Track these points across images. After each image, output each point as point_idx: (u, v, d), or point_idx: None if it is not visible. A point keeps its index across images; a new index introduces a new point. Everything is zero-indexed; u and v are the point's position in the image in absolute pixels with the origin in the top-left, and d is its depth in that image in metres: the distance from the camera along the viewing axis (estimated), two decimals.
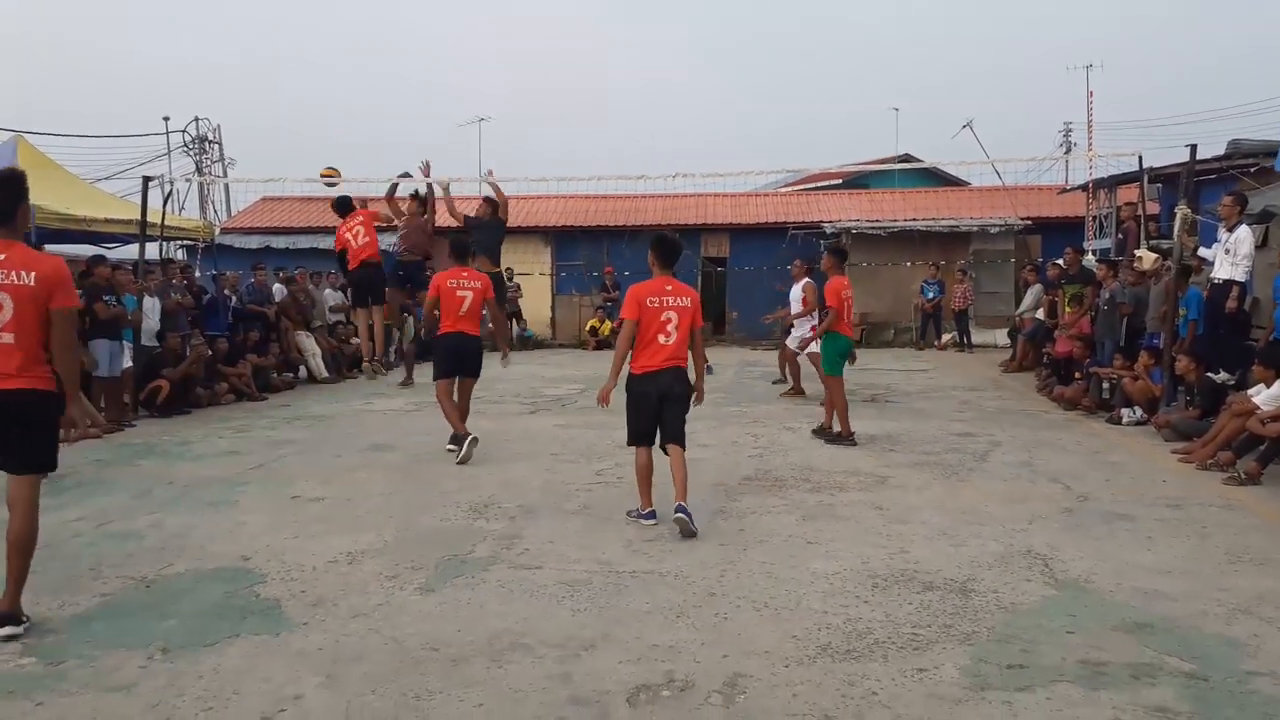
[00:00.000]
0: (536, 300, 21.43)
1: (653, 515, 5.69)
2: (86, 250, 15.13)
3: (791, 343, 11.46)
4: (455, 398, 7.97)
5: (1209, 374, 8.52)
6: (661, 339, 5.65)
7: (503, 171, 13.24)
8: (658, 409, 5.70)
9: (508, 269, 20.48)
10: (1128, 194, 15.49)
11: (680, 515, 5.46)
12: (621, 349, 5.80)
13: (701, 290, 21.82)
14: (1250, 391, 7.50)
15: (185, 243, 16.47)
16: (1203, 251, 9.64)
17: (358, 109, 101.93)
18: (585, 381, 13.60)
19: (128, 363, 10.32)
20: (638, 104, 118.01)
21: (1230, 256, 8.74)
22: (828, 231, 20.41)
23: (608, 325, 20.27)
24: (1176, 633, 3.99)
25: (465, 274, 7.96)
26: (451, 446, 7.89)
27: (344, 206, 11.03)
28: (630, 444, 5.82)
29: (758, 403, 11.12)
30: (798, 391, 11.55)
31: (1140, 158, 12.88)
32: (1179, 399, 9.21)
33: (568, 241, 21.94)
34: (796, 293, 11.45)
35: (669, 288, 5.74)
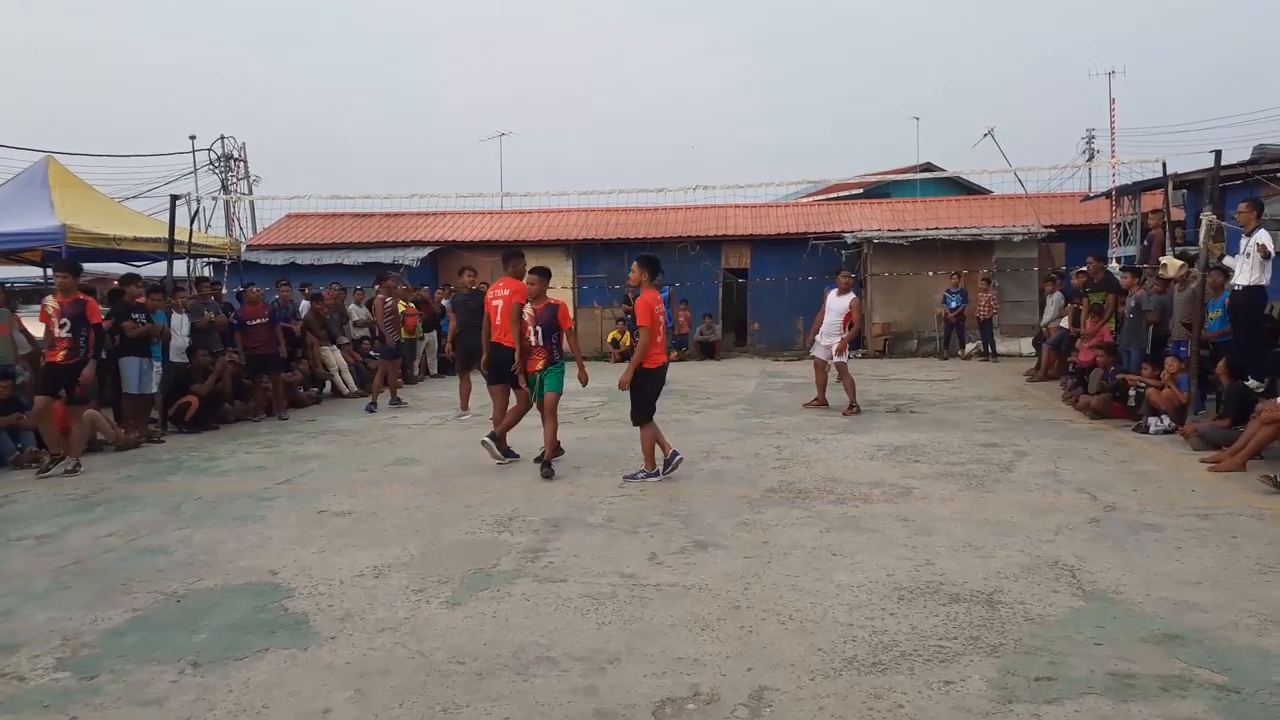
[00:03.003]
0: None
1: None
2: (117, 268, 15.38)
3: (819, 353, 11.37)
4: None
5: (1242, 381, 8.42)
6: (660, 339, 7.56)
7: (524, 185, 13.39)
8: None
9: None
10: (1152, 201, 15.36)
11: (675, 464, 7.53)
12: (647, 349, 7.39)
13: (723, 301, 21.86)
14: None
15: (212, 260, 16.69)
16: (1228, 260, 9.54)
17: (377, 121, 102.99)
18: (608, 394, 13.60)
19: (156, 383, 10.44)
20: (658, 115, 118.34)
21: (1249, 260, 8.67)
22: (849, 241, 20.37)
23: (629, 337, 20.30)
24: (1207, 644, 3.94)
25: (500, 284, 8.72)
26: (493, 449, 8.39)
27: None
28: (644, 422, 7.49)
29: (780, 414, 11.09)
30: (821, 403, 11.50)
31: (1164, 164, 12.84)
32: (1206, 407, 9.11)
33: (589, 254, 21.99)
34: (842, 305, 11.25)
35: (660, 298, 7.63)
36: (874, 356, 19.22)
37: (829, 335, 11.23)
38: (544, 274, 8.20)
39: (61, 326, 8.44)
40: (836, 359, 11.15)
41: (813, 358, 11.72)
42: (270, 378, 11.96)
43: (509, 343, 8.27)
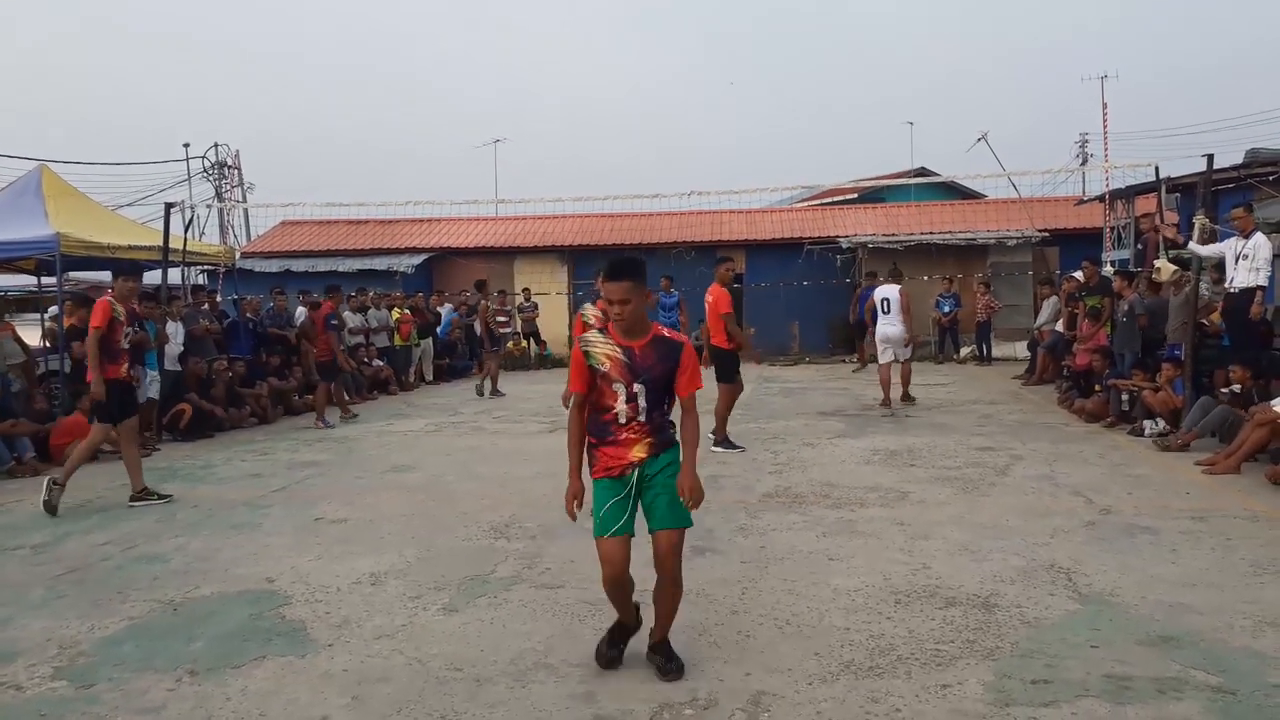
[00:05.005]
0: (554, 320, 21.49)
1: None
2: (110, 277, 15.31)
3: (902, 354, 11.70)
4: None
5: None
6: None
7: (519, 191, 13.49)
8: None
9: (525, 289, 20.66)
10: (1146, 204, 15.42)
11: None
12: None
13: None
14: (1275, 402, 7.45)
15: (206, 268, 16.67)
16: (1193, 246, 9.46)
17: (371, 125, 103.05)
18: None
19: (153, 390, 10.42)
20: (653, 121, 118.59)
21: (1249, 262, 8.71)
22: (843, 246, 20.43)
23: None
24: (1202, 646, 3.96)
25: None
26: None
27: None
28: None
29: (776, 419, 11.10)
30: (907, 397, 11.81)
31: (1157, 169, 12.88)
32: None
33: (584, 260, 22.00)
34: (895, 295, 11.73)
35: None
36: (871, 359, 19.22)
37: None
38: (632, 274, 3.70)
39: (126, 336, 7.27)
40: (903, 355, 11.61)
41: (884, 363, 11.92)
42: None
43: (720, 343, 8.53)
